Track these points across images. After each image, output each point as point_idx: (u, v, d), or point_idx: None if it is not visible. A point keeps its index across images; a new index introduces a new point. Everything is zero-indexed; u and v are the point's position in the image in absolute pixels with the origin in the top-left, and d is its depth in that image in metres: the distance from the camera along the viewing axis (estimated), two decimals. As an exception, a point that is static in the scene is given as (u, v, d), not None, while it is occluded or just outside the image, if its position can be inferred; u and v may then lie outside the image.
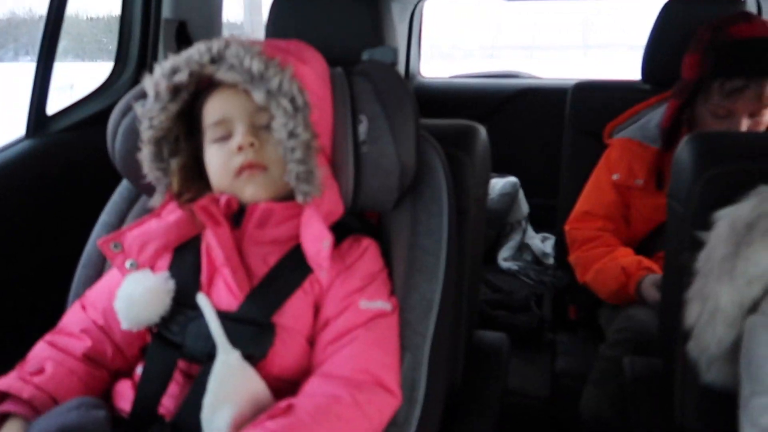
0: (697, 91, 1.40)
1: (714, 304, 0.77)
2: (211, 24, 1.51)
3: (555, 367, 1.53)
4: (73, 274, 1.03)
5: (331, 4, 1.19)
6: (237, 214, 0.85)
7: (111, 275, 0.91)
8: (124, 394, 0.83)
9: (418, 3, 2.58)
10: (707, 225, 0.90)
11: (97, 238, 1.01)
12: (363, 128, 0.90)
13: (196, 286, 0.83)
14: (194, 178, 0.89)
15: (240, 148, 0.82)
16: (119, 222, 1.03)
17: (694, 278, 0.83)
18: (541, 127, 2.52)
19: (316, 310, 0.84)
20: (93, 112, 1.45)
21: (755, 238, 0.74)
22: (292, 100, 0.79)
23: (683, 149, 1.06)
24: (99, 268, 1.01)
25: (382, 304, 0.85)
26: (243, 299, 0.81)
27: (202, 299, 0.80)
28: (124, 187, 1.07)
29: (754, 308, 0.75)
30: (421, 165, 0.94)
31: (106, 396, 0.85)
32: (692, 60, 1.42)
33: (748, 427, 0.69)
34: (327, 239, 0.79)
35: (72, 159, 1.42)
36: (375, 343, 0.80)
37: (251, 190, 0.83)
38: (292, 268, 0.84)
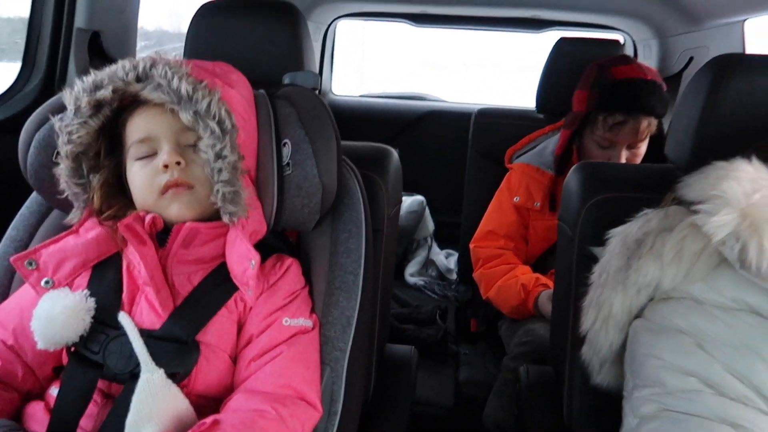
0: (585, 123, 1.56)
1: (608, 311, 0.87)
2: (126, 36, 1.47)
3: (458, 377, 1.63)
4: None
5: (250, 24, 1.21)
6: (161, 233, 0.86)
7: (22, 293, 0.88)
8: (37, 416, 0.80)
9: (332, 23, 2.64)
10: (592, 244, 1.02)
11: (4, 254, 0.97)
12: (287, 151, 0.94)
13: (117, 305, 0.83)
14: (116, 195, 0.89)
15: (166, 167, 0.82)
16: (28, 237, 0.99)
17: (589, 289, 0.93)
18: (446, 148, 2.66)
19: (240, 327, 0.86)
20: (-4, 120, 1.36)
21: (644, 252, 0.84)
22: (220, 123, 0.82)
23: (571, 178, 1.19)
24: (5, 286, 0.96)
25: (304, 321, 0.88)
26: (166, 318, 0.81)
27: (124, 318, 0.80)
28: (33, 200, 1.03)
29: (639, 314, 0.86)
30: (340, 187, 0.99)
31: (16, 419, 0.82)
32: (581, 95, 1.59)
33: (631, 416, 0.79)
34: (254, 258, 0.81)
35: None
36: (297, 358, 0.84)
37: (176, 209, 0.84)
38: (217, 286, 0.86)
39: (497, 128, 1.98)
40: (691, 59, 2.06)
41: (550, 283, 1.56)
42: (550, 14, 2.37)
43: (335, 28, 2.73)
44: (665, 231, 0.83)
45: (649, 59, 2.31)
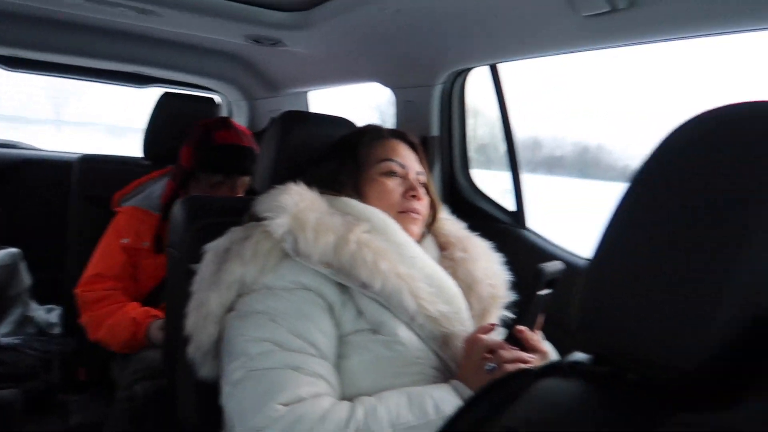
0: (190, 177, 1.75)
1: (206, 309, 1.03)
2: None
3: (69, 423, 1.56)
4: None
5: None
6: None
7: None
8: None
9: None
10: (197, 262, 1.19)
11: None
12: None
13: None
14: None
15: None
16: None
17: (192, 296, 1.07)
18: (44, 198, 2.48)
19: None
20: None
21: (230, 257, 1.04)
22: None
23: (177, 209, 1.35)
24: None
25: None
26: None
27: None
28: None
29: (231, 308, 1.04)
30: None
31: None
32: (187, 152, 1.76)
33: (226, 385, 0.96)
34: None
35: None
36: None
37: None
38: None
39: (103, 174, 2.00)
40: (273, 120, 2.50)
41: (161, 314, 1.65)
42: (153, 71, 2.51)
43: None
44: (246, 239, 1.05)
45: (240, 117, 2.68)
